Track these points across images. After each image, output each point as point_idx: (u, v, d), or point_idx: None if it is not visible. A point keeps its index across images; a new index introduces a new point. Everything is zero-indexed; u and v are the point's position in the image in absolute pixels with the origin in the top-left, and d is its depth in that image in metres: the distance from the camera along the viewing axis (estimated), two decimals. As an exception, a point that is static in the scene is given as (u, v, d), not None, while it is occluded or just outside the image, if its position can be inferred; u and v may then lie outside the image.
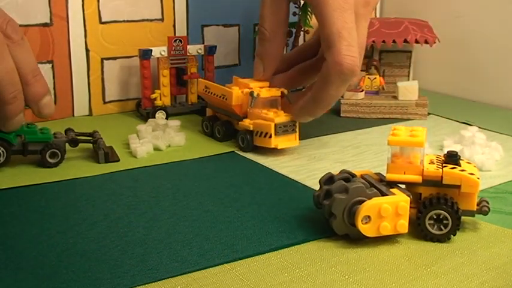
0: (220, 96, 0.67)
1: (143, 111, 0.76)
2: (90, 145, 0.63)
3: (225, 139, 0.67)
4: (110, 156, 0.60)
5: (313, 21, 0.86)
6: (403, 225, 0.43)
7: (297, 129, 0.64)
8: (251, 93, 0.64)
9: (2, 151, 0.57)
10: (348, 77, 0.56)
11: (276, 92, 0.65)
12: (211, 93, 0.69)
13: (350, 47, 0.55)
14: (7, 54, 0.51)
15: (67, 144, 0.61)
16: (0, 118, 0.54)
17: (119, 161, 0.61)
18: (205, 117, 0.71)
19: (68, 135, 0.62)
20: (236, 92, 0.65)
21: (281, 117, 0.63)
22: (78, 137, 0.62)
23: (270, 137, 0.62)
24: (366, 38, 0.61)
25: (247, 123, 0.64)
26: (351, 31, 0.56)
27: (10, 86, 0.51)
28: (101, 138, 0.62)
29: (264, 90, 0.65)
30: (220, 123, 0.68)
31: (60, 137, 0.60)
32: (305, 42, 0.73)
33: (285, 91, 0.66)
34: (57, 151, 0.59)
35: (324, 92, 0.58)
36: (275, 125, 0.62)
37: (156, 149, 0.65)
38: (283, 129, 0.62)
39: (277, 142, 0.62)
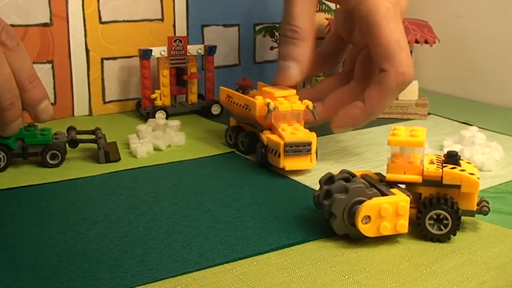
0: (243, 107, 0.62)
1: (143, 111, 0.76)
2: (91, 144, 0.62)
3: (249, 152, 0.63)
4: (110, 155, 0.60)
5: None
6: (403, 225, 0.43)
7: (313, 150, 0.58)
8: (268, 105, 0.59)
9: (3, 156, 0.57)
10: (406, 86, 0.57)
11: (299, 106, 0.60)
12: (234, 102, 0.64)
13: (409, 57, 0.56)
14: (3, 61, 0.51)
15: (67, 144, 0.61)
16: None
17: (119, 159, 0.61)
18: (228, 127, 0.67)
19: (69, 134, 0.62)
20: (260, 102, 0.60)
21: (295, 136, 0.57)
22: (80, 136, 0.62)
23: (279, 156, 0.57)
24: None
25: (264, 136, 0.60)
26: (406, 40, 0.56)
27: (7, 93, 0.51)
28: (102, 137, 0.62)
29: (287, 103, 0.60)
30: (244, 134, 0.63)
31: (61, 137, 0.60)
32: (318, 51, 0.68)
33: (310, 105, 0.60)
34: (57, 152, 0.59)
35: (381, 103, 0.58)
36: (284, 144, 0.56)
37: (156, 149, 0.65)
38: (294, 150, 0.56)
39: (286, 163, 0.57)
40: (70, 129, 0.63)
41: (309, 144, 0.57)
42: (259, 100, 0.60)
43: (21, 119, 0.54)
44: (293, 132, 0.58)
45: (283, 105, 0.59)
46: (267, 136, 0.59)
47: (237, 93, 0.65)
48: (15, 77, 0.52)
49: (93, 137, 0.63)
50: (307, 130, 0.59)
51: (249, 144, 0.63)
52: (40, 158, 0.58)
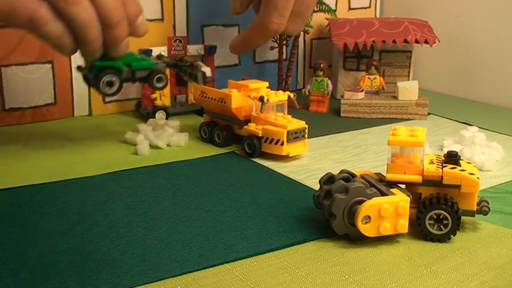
0: (218, 100, 0.65)
1: (143, 111, 0.76)
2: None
3: (225, 144, 0.66)
4: (206, 77, 0.63)
5: (313, 21, 0.86)
6: (403, 225, 0.43)
7: (306, 136, 0.62)
8: (261, 99, 0.62)
9: (116, 79, 0.58)
10: (271, 36, 0.68)
11: (283, 96, 0.64)
12: (208, 97, 0.67)
13: (281, 17, 0.65)
14: None
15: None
16: (109, 43, 0.54)
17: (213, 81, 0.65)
18: (202, 123, 0.69)
19: (162, 59, 0.64)
20: (235, 95, 0.64)
21: (293, 124, 0.61)
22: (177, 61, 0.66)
23: (282, 144, 0.60)
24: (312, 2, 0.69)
25: (253, 128, 0.63)
26: (288, 3, 0.65)
27: (115, 9, 0.53)
28: (197, 62, 0.64)
29: (272, 95, 0.63)
30: (219, 128, 0.66)
31: (157, 63, 0.63)
32: None
33: (291, 95, 0.65)
34: (162, 75, 0.62)
35: (252, 37, 0.69)
36: (287, 132, 0.60)
37: (156, 148, 0.65)
38: (294, 136, 0.61)
39: (289, 149, 0.61)
40: (159, 56, 0.66)
41: (305, 130, 0.62)
42: (234, 93, 0.64)
43: (128, 40, 0.56)
44: (286, 121, 0.62)
45: (271, 97, 0.63)
46: (261, 127, 0.62)
47: (210, 88, 0.67)
48: None
49: (187, 63, 0.65)
50: (294, 118, 0.63)
51: (225, 137, 0.65)
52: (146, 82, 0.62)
